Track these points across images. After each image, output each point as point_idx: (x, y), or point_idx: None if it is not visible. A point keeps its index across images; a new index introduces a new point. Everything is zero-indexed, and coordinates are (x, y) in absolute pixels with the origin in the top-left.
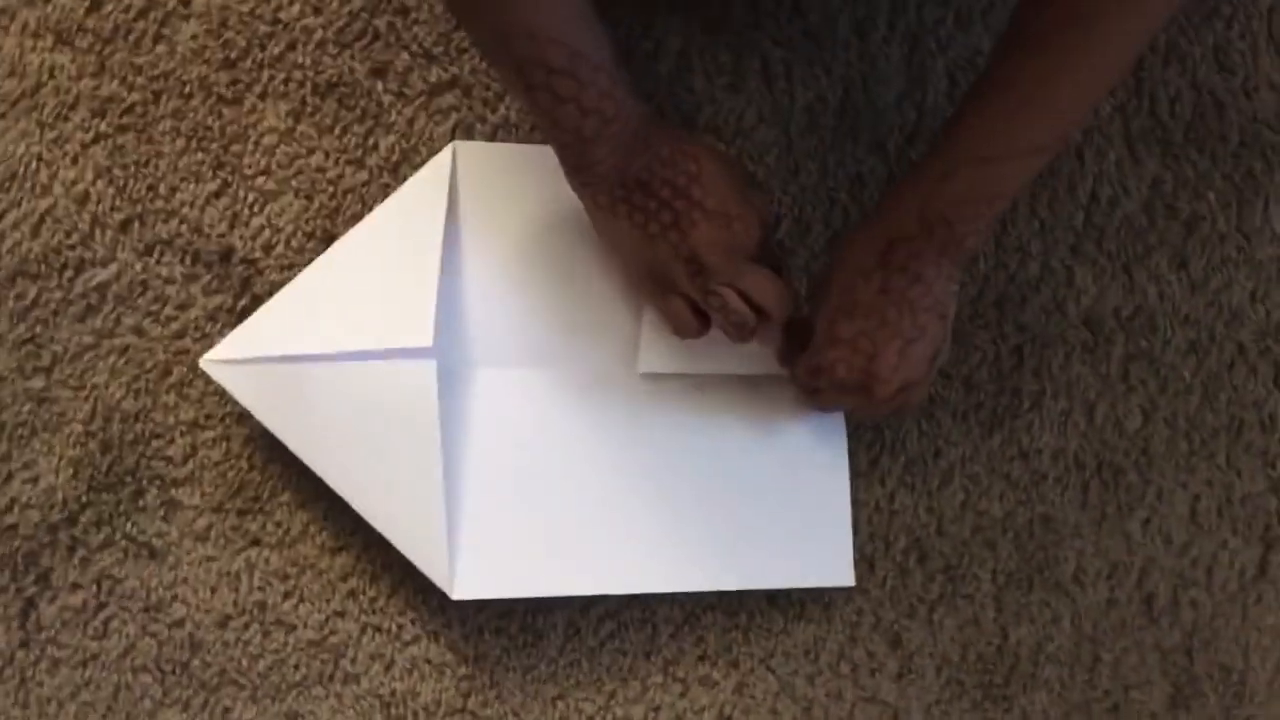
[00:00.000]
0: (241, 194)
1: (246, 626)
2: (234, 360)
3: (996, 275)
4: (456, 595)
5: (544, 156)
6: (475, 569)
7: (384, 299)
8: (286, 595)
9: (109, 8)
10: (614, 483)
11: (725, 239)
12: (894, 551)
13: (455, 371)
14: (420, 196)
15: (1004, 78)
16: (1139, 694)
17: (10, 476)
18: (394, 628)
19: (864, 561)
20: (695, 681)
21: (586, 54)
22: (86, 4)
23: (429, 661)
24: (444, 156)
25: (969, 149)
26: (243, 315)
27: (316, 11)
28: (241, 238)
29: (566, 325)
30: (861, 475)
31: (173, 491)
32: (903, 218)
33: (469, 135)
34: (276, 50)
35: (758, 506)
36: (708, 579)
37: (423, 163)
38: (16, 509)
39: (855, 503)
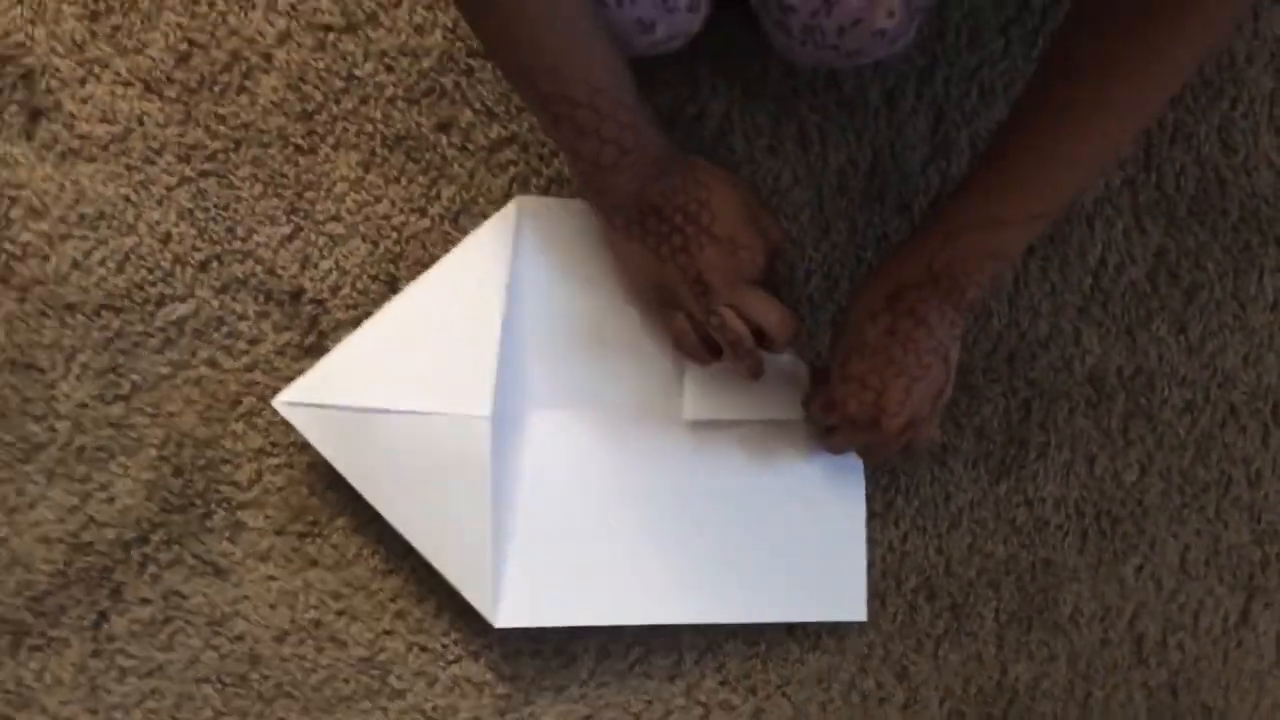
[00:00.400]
0: (313, 238)
1: (302, 642)
2: (303, 404)
3: (1009, 333)
4: (499, 624)
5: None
6: (517, 600)
7: (447, 359)
8: (340, 614)
9: (196, 60)
10: (647, 521)
11: (730, 263)
12: (904, 589)
13: (507, 411)
14: (484, 251)
15: (1008, 152)
16: None
17: (88, 496)
18: (438, 647)
19: (876, 598)
20: (716, 705)
21: (608, 90)
22: (175, 56)
23: (469, 680)
24: (507, 212)
25: (975, 213)
26: (310, 351)
27: (389, 69)
28: (311, 279)
29: (612, 371)
30: (877, 517)
31: (239, 514)
32: (911, 267)
33: (525, 188)
34: (350, 104)
35: (780, 545)
36: (731, 612)
37: (482, 212)
38: (94, 527)
39: (870, 542)
